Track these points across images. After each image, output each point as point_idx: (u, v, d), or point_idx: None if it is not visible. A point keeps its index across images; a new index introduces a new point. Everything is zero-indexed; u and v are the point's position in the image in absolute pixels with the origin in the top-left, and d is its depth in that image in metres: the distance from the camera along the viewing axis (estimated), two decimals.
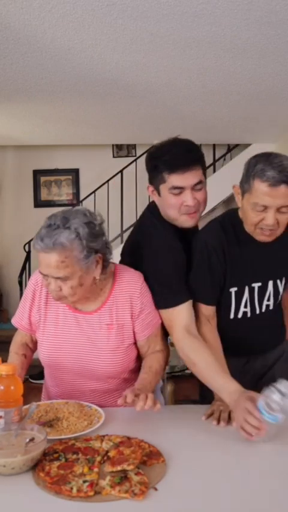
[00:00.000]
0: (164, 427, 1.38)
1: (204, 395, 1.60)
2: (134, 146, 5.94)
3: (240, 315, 1.62)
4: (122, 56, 2.87)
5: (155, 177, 1.57)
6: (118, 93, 3.58)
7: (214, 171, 5.58)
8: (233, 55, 2.85)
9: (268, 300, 1.64)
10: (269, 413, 1.22)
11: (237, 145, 5.49)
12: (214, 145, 5.56)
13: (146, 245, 1.58)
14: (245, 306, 1.61)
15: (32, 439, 1.16)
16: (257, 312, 1.63)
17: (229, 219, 1.60)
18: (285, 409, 1.22)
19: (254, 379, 1.72)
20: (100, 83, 3.35)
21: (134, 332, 1.50)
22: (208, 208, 5.71)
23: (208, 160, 5.65)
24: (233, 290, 1.59)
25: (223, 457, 1.20)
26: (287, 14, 2.37)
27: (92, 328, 1.47)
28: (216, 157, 5.66)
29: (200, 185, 1.53)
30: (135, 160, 5.55)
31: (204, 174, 1.57)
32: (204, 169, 1.58)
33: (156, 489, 1.04)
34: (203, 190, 1.55)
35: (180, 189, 1.50)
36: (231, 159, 5.54)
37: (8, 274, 5.91)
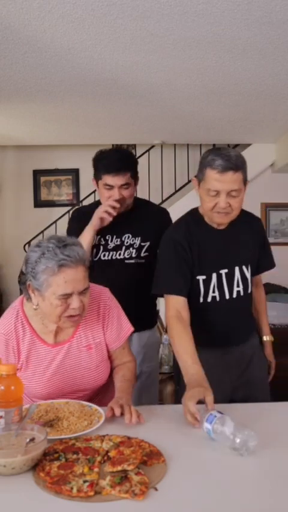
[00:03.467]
0: (164, 427, 1.38)
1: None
2: (134, 146, 5.94)
3: (209, 299, 1.76)
4: (122, 56, 2.87)
5: (96, 174, 2.09)
6: (118, 93, 3.58)
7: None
8: (233, 55, 2.85)
9: (238, 286, 1.78)
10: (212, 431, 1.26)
11: (237, 145, 5.49)
12: (214, 145, 5.56)
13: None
14: (213, 291, 1.76)
15: (32, 439, 1.16)
16: (227, 296, 1.77)
17: (191, 215, 1.82)
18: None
19: (234, 377, 1.80)
20: (100, 83, 3.35)
21: (106, 345, 1.60)
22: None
23: None
24: (200, 278, 1.75)
25: (223, 457, 1.20)
26: (287, 14, 2.36)
27: (73, 353, 1.54)
28: None
29: (127, 185, 2.02)
30: None
31: (135, 176, 2.06)
32: (133, 173, 2.05)
33: (156, 489, 1.04)
34: (129, 189, 2.04)
35: (110, 186, 2.02)
36: None
37: (8, 274, 5.91)
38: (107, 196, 2.03)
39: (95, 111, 4.06)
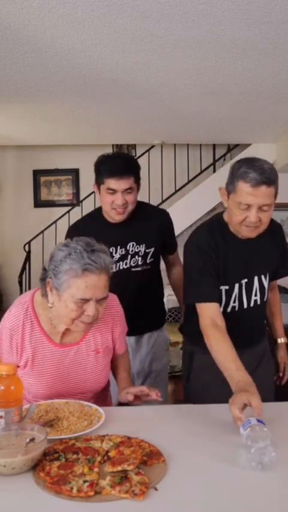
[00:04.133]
0: (164, 427, 1.38)
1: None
2: (134, 146, 5.94)
3: (229, 310, 1.73)
4: (122, 56, 2.87)
5: (98, 178, 2.01)
6: (118, 93, 3.58)
7: (214, 171, 5.58)
8: (233, 55, 2.85)
9: (255, 295, 1.76)
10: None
11: (237, 145, 5.50)
12: (214, 145, 5.57)
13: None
14: (234, 302, 1.74)
15: (32, 439, 1.16)
16: (245, 306, 1.75)
17: (216, 222, 1.75)
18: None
19: None
20: (100, 83, 3.35)
21: (114, 350, 1.64)
22: (208, 208, 5.69)
23: (208, 160, 5.70)
24: (223, 288, 1.71)
25: (223, 457, 1.20)
26: (287, 14, 2.37)
27: (81, 356, 1.54)
28: (216, 157, 5.66)
29: (130, 190, 1.96)
30: None
31: (138, 182, 2.01)
32: (137, 178, 2.00)
33: (156, 489, 1.04)
34: (132, 194, 1.98)
35: (113, 191, 1.94)
36: (231, 159, 5.53)
37: (8, 274, 5.91)
38: (109, 201, 1.97)
39: (95, 111, 4.06)
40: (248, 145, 5.26)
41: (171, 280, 2.30)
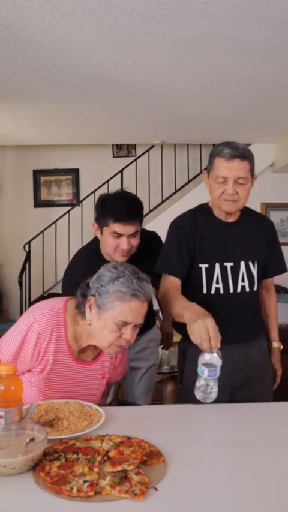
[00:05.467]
0: (164, 427, 1.38)
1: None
2: (134, 146, 5.94)
3: (213, 291, 1.78)
4: (122, 56, 2.87)
5: (101, 220, 1.91)
6: (118, 93, 3.58)
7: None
8: (233, 55, 2.85)
9: (243, 281, 1.80)
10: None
11: None
12: (214, 145, 5.57)
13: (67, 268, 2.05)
14: (217, 283, 1.79)
15: (32, 439, 1.16)
16: (231, 290, 1.79)
17: (201, 207, 1.90)
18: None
19: (236, 377, 1.78)
20: (100, 83, 3.35)
21: (110, 376, 1.67)
22: None
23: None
24: (203, 266, 1.79)
25: (223, 456, 1.20)
26: (287, 14, 2.37)
27: (89, 377, 1.58)
28: None
29: (136, 233, 1.90)
30: (135, 160, 5.55)
31: (141, 223, 1.94)
32: (141, 220, 1.94)
33: (156, 489, 1.04)
34: (137, 238, 1.92)
35: (119, 235, 1.87)
36: None
37: (8, 274, 5.91)
38: (113, 245, 1.89)
39: (95, 111, 4.06)
40: (248, 145, 5.25)
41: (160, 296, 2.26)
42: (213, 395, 1.42)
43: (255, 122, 4.43)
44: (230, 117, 4.25)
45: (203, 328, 1.40)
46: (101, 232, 1.94)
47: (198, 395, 1.43)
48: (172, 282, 1.76)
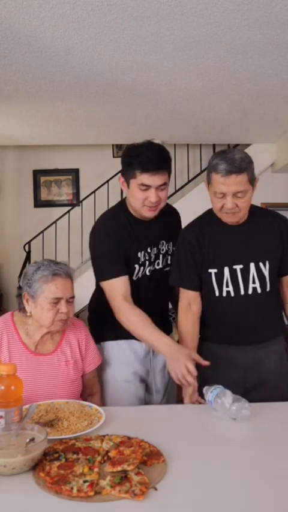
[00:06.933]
0: (164, 427, 1.38)
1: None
2: None
3: (224, 294, 1.79)
4: (122, 56, 2.87)
5: (128, 172, 1.82)
6: (118, 93, 3.58)
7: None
8: (233, 55, 2.85)
9: (253, 282, 1.79)
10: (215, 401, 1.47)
11: (237, 145, 5.49)
12: (214, 145, 5.57)
13: (92, 230, 1.93)
14: (227, 286, 1.80)
15: (32, 439, 1.16)
16: (242, 292, 1.79)
17: (207, 214, 1.90)
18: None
19: (250, 378, 1.79)
20: (100, 83, 3.35)
21: (83, 365, 1.77)
22: (208, 208, 5.66)
23: (208, 160, 5.70)
24: (212, 271, 1.81)
25: (223, 456, 1.20)
26: (287, 14, 2.37)
27: (53, 366, 1.68)
28: None
29: (164, 186, 1.81)
30: None
31: (169, 176, 1.85)
32: (170, 172, 1.85)
33: (156, 489, 1.04)
34: (165, 191, 1.83)
35: (147, 187, 1.78)
36: None
37: (8, 274, 5.91)
38: (141, 198, 1.79)
39: (95, 111, 4.06)
40: (248, 145, 5.25)
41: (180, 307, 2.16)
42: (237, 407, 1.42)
43: (255, 122, 4.43)
44: (230, 117, 4.25)
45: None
46: (128, 186, 1.84)
47: (236, 415, 1.43)
48: (188, 295, 1.84)
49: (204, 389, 1.54)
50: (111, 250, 1.82)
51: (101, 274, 1.84)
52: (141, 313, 1.75)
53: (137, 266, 1.87)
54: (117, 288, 1.78)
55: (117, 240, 1.83)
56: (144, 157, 1.76)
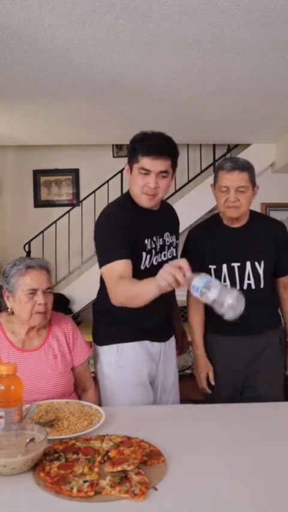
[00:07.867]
0: (164, 427, 1.38)
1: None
2: None
3: None
4: (122, 56, 2.87)
5: (132, 156, 1.82)
6: (118, 93, 3.58)
7: (214, 171, 5.56)
8: (233, 55, 2.85)
9: (248, 279, 2.00)
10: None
11: (237, 145, 5.49)
12: (214, 145, 5.56)
13: (98, 217, 1.89)
14: (224, 281, 1.99)
15: (32, 439, 1.16)
16: (237, 287, 1.96)
17: (213, 216, 2.19)
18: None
19: (243, 363, 2.01)
20: (100, 83, 3.35)
21: (71, 359, 1.80)
22: (208, 208, 5.68)
23: (208, 160, 5.70)
24: (212, 267, 2.03)
25: (223, 456, 1.20)
26: (287, 14, 2.37)
27: (41, 361, 1.72)
28: (216, 157, 5.65)
29: (165, 174, 1.79)
30: None
31: (174, 168, 1.85)
32: (174, 162, 1.84)
33: (156, 489, 1.04)
34: (167, 179, 1.81)
35: (147, 171, 1.76)
36: None
37: None
38: (141, 183, 1.78)
39: (95, 111, 4.06)
40: (248, 145, 5.25)
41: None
42: (231, 299, 1.34)
43: (255, 122, 4.43)
44: (230, 117, 4.25)
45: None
46: (131, 172, 1.84)
47: (228, 313, 1.35)
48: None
49: (192, 274, 1.41)
50: (117, 233, 1.77)
51: (104, 258, 1.76)
52: (130, 278, 1.67)
53: (144, 253, 1.83)
54: (117, 270, 1.69)
55: (124, 223, 1.78)
56: (149, 142, 1.78)
